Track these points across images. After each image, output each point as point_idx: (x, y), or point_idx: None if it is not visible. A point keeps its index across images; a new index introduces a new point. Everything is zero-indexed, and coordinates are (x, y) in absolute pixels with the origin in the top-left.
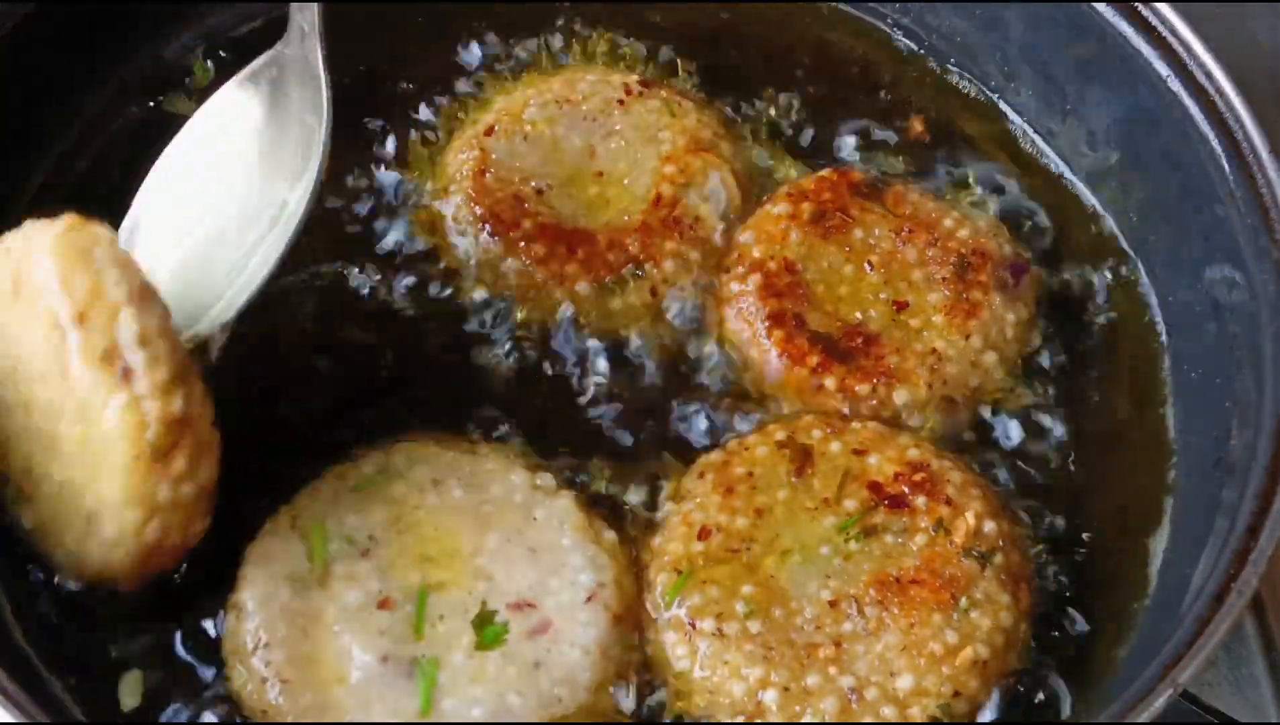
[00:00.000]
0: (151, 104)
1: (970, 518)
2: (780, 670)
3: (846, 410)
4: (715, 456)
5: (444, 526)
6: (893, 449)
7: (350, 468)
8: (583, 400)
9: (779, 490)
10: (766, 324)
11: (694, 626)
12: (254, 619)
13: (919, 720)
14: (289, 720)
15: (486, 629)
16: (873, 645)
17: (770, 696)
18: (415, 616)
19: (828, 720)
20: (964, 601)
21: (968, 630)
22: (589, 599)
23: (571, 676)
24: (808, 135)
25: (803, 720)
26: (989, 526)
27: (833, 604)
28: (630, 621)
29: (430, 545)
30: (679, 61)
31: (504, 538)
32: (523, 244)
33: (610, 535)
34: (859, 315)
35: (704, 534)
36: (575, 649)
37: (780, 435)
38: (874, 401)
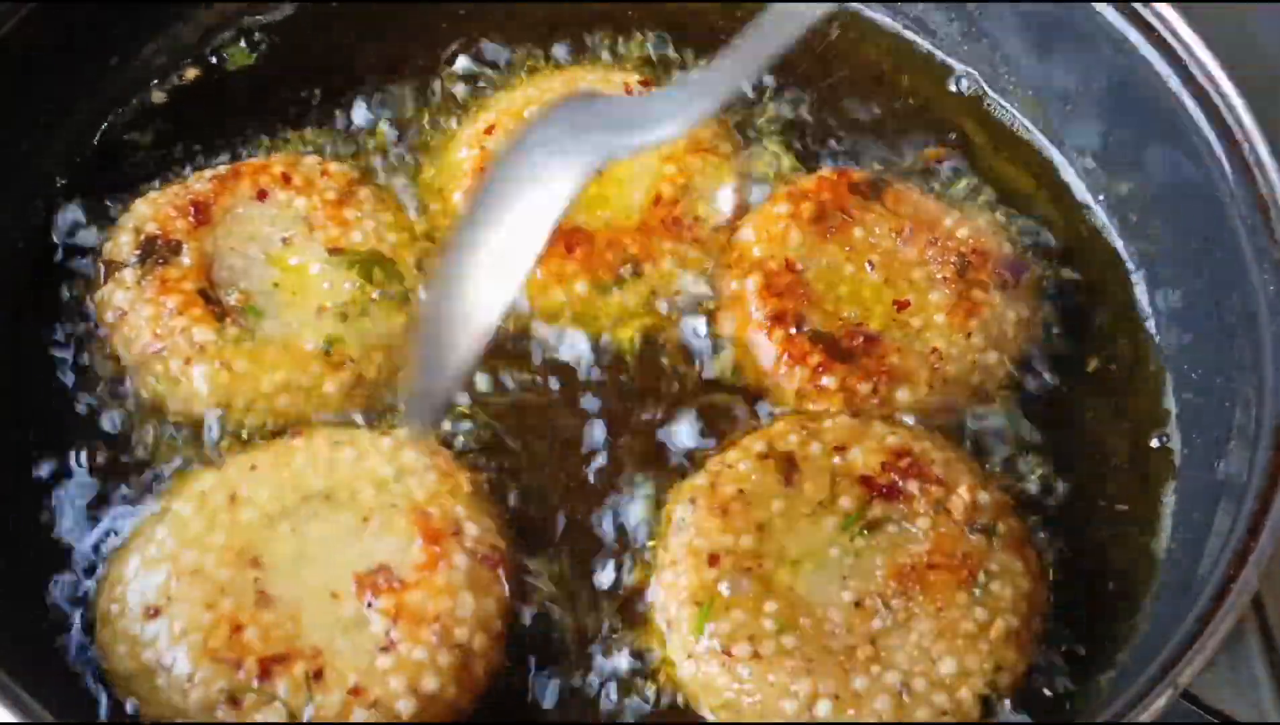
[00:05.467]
0: (178, 79)
1: (964, 493)
2: (826, 679)
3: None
4: (700, 480)
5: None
6: (871, 440)
7: None
8: (580, 400)
9: (773, 501)
10: (767, 324)
11: (730, 654)
12: None
13: (969, 701)
14: None
15: None
16: (907, 637)
17: (825, 708)
18: None
19: (885, 720)
20: (982, 576)
21: (993, 603)
22: None
23: None
24: (809, 134)
25: (863, 722)
26: (983, 497)
27: (857, 604)
28: None
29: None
30: (679, 61)
31: None
32: None
33: None
34: (860, 314)
35: (714, 560)
36: None
37: (759, 446)
38: (875, 401)
